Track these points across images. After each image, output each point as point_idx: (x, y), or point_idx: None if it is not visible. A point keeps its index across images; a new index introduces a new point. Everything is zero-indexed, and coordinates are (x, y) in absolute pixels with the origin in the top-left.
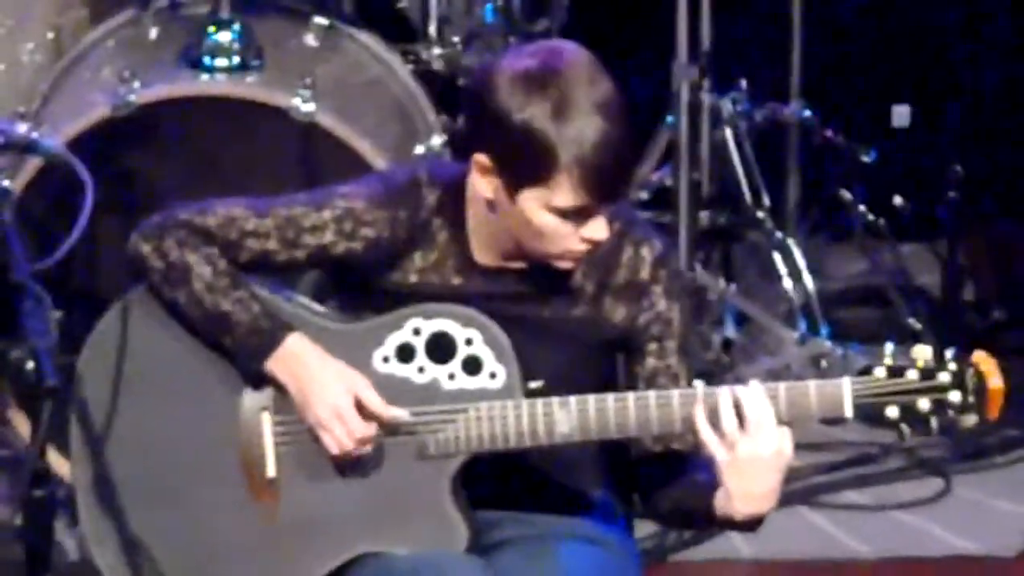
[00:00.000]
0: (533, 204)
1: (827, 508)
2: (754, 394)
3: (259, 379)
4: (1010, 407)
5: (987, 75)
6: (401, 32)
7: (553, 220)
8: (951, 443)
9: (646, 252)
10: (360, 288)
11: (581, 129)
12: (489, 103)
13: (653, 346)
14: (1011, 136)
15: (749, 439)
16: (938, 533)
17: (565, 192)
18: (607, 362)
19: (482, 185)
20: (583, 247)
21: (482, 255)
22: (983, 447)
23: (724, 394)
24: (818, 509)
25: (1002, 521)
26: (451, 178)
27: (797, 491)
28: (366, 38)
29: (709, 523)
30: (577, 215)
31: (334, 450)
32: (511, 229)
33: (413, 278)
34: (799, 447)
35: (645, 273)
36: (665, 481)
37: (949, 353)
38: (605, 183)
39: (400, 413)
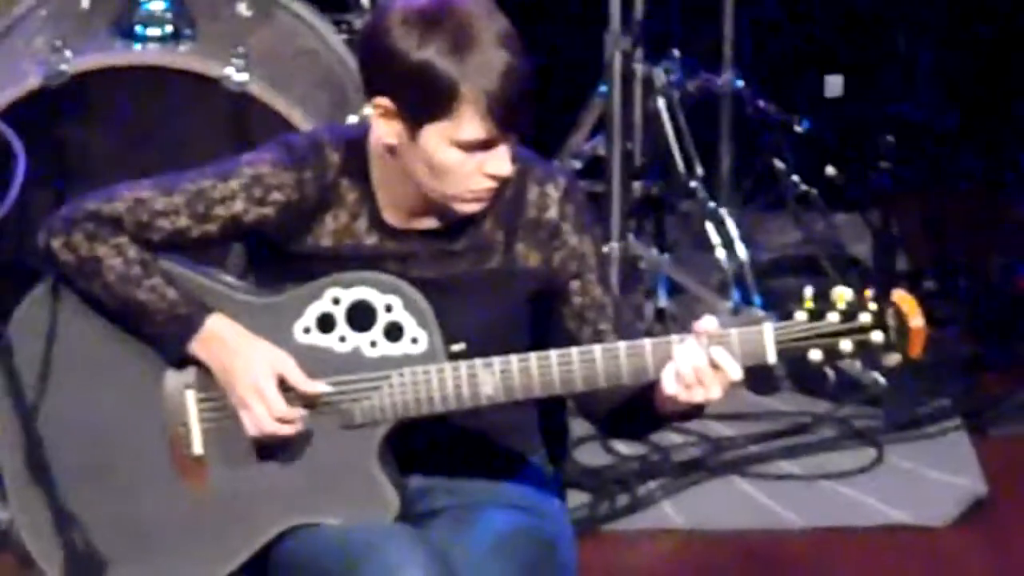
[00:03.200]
0: (437, 139)
1: (760, 478)
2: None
3: (182, 360)
4: (942, 377)
5: (920, 44)
6: (334, 1)
7: (457, 155)
8: (884, 413)
9: (551, 189)
10: (277, 258)
11: (485, 60)
12: (386, 44)
13: (575, 284)
14: (943, 106)
15: (703, 389)
16: (870, 503)
17: (470, 124)
18: (530, 312)
19: (383, 129)
20: (487, 184)
21: (391, 215)
22: (915, 417)
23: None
24: (751, 479)
25: (934, 491)
26: (353, 137)
27: (730, 461)
28: (299, 7)
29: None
30: (481, 148)
31: (253, 431)
32: (414, 174)
33: (327, 241)
34: (731, 417)
35: (553, 211)
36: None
37: (869, 293)
38: (511, 112)
39: (323, 388)
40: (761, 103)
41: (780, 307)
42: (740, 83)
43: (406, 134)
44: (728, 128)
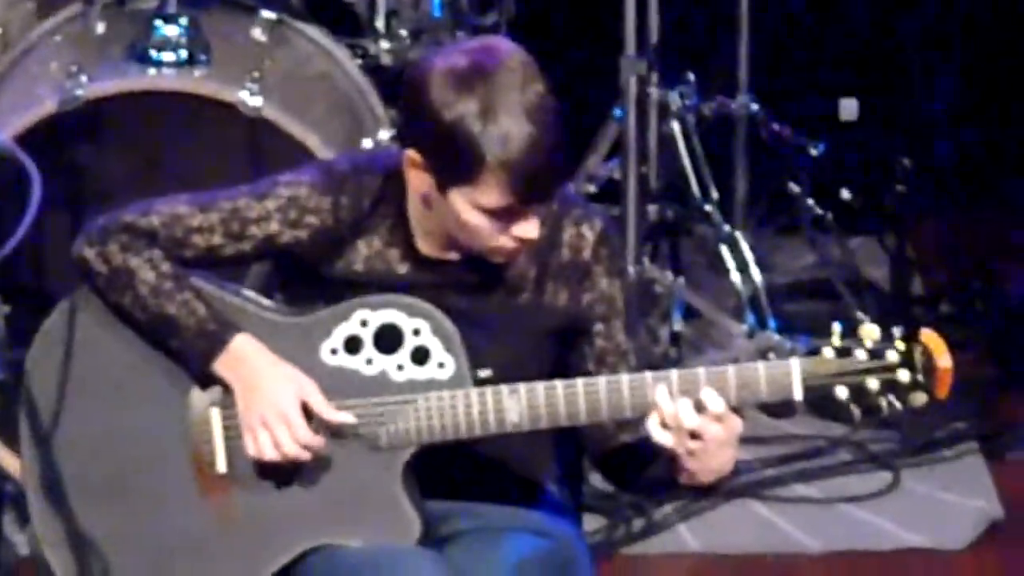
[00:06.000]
0: (461, 202)
1: (775, 501)
2: (708, 395)
3: (208, 377)
4: (958, 400)
5: (935, 68)
6: (349, 26)
7: (481, 219)
8: (900, 436)
9: (587, 231)
10: (307, 279)
11: (507, 131)
12: (420, 99)
13: (599, 327)
14: (959, 129)
15: (703, 442)
16: (886, 526)
17: (491, 193)
18: (554, 349)
19: (415, 180)
20: (514, 244)
21: (424, 244)
22: (932, 441)
23: (682, 404)
24: (766, 502)
25: (950, 514)
26: (391, 166)
27: (745, 484)
28: (314, 32)
29: (673, 487)
30: (505, 215)
31: (270, 454)
32: (444, 222)
33: (359, 267)
34: (747, 440)
35: (587, 253)
36: (623, 465)
37: (897, 332)
38: (531, 185)
39: (346, 417)
40: (776, 126)
41: (795, 331)
42: (755, 106)
43: (435, 188)
44: (743, 151)
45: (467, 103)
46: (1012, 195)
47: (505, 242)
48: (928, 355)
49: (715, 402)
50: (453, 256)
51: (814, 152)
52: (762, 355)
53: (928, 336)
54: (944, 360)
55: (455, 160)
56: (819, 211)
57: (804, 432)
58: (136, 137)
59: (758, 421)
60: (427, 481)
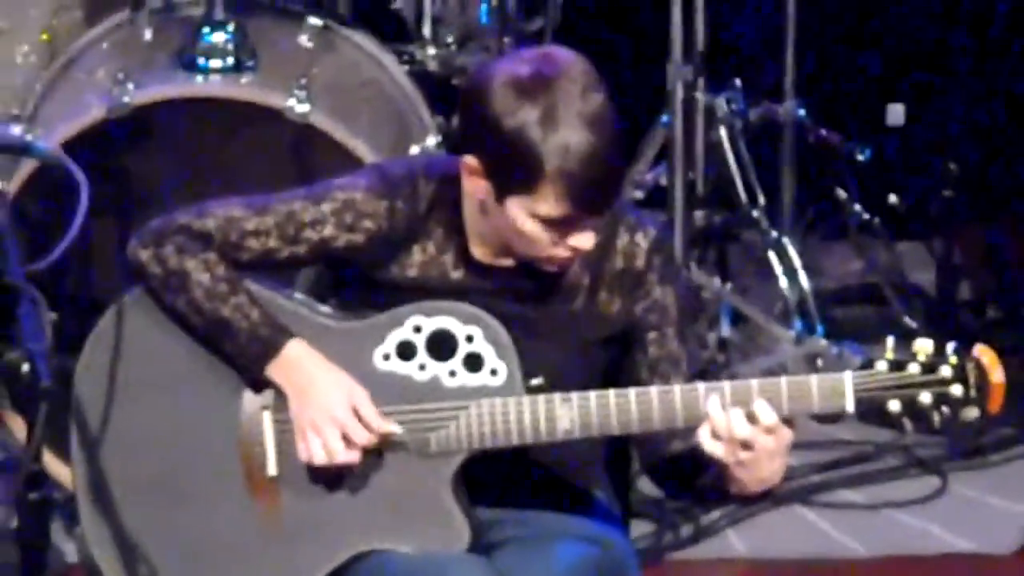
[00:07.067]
0: (518, 210)
1: (823, 507)
2: (760, 407)
3: (260, 381)
4: (1006, 405)
5: (982, 72)
6: (396, 32)
7: (537, 228)
8: (948, 441)
9: (641, 239)
10: (360, 283)
11: (567, 140)
12: (481, 106)
13: (653, 335)
14: (1006, 134)
15: (753, 453)
16: (934, 531)
17: (549, 202)
18: (607, 356)
19: (472, 186)
20: (569, 254)
21: (478, 250)
22: (979, 445)
23: (734, 415)
24: (814, 508)
25: (998, 519)
26: (447, 172)
27: (793, 490)
28: (360, 39)
29: (723, 496)
30: (562, 224)
31: (321, 458)
32: (500, 230)
33: (412, 272)
34: (795, 446)
35: (640, 261)
36: (674, 474)
37: (950, 347)
38: (589, 196)
39: (393, 428)
40: (823, 132)
41: (842, 336)
42: (802, 112)
43: (492, 196)
44: (790, 157)
45: (528, 111)
46: None
47: (560, 251)
48: (982, 370)
49: (767, 414)
50: (507, 263)
51: (861, 157)
52: (810, 361)
53: (982, 351)
54: (997, 376)
55: (514, 168)
56: (866, 216)
57: (852, 438)
58: (183, 144)
59: (806, 427)
60: (477, 488)
